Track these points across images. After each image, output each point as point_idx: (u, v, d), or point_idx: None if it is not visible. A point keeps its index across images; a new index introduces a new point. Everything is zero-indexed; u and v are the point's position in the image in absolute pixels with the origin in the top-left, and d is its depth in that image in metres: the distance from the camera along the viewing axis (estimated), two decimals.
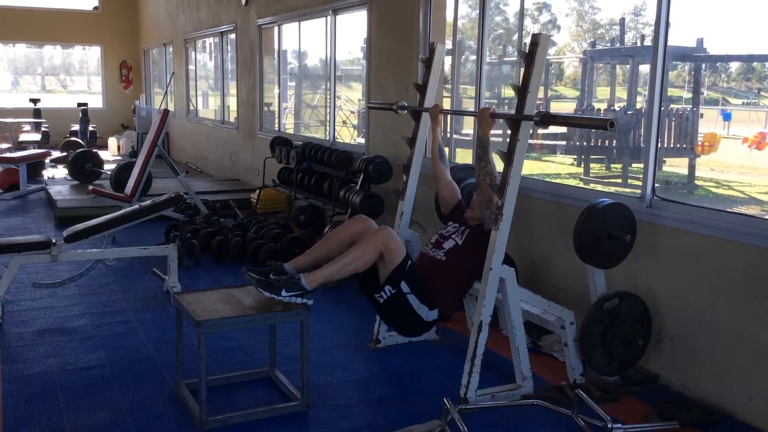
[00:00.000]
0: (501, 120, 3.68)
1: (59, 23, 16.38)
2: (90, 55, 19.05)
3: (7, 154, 10.03)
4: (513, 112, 3.34)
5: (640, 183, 3.90)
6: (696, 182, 10.65)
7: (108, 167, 9.80)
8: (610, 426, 2.99)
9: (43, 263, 4.97)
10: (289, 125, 10.66)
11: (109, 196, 7.17)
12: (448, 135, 6.08)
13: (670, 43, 3.74)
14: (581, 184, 9.73)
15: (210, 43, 12.38)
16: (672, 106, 11.47)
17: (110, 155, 13.83)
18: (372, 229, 3.57)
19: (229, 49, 11.02)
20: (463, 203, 4.06)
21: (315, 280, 3.33)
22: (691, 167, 10.57)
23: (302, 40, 8.84)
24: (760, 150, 12.26)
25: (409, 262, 3.54)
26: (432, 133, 4.13)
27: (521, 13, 5.62)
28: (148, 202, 5.29)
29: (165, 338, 4.18)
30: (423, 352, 4.08)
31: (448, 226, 3.91)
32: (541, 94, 12.66)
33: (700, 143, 11.03)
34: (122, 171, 7.90)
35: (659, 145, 3.88)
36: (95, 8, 16.88)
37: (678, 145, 10.63)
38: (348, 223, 3.72)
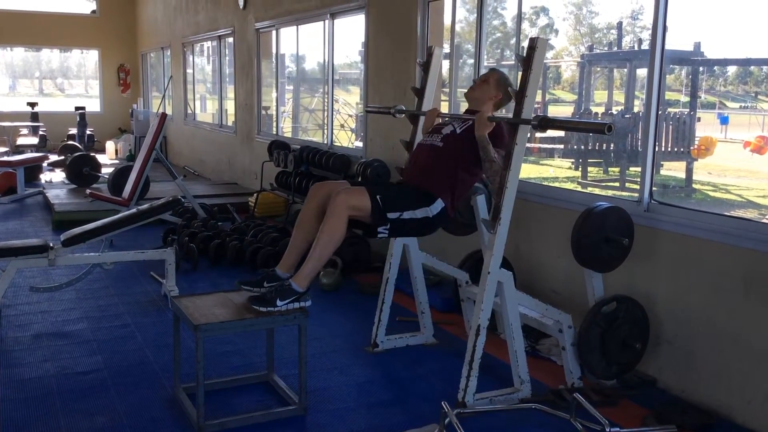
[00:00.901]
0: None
1: (57, 27, 16.38)
2: (88, 59, 19.05)
3: (5, 158, 10.01)
4: (511, 115, 3.34)
5: (638, 186, 3.91)
6: (694, 186, 10.66)
7: (105, 171, 9.80)
8: (608, 430, 2.99)
9: (41, 267, 4.98)
10: (287, 129, 10.65)
11: (107, 199, 7.16)
12: None
13: (667, 46, 3.75)
14: (579, 188, 9.73)
15: (208, 47, 12.40)
16: (669, 109, 11.50)
17: (108, 159, 13.83)
18: (333, 190, 3.43)
19: (227, 52, 11.03)
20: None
21: (304, 280, 3.27)
22: (689, 171, 10.58)
23: (300, 43, 8.85)
24: (761, 155, 12.22)
25: (378, 196, 3.41)
26: (423, 135, 4.12)
27: (519, 17, 5.62)
28: (145, 206, 5.29)
29: (163, 342, 4.17)
30: (421, 356, 4.08)
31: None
32: (538, 98, 12.67)
33: (696, 147, 11.04)
34: (120, 175, 7.90)
35: (657, 149, 3.89)
36: (93, 12, 16.89)
37: (676, 149, 10.65)
38: (309, 198, 3.56)
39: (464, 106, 6.79)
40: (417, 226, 3.54)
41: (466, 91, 3.88)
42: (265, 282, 3.35)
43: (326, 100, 7.88)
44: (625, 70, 13.16)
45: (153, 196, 7.04)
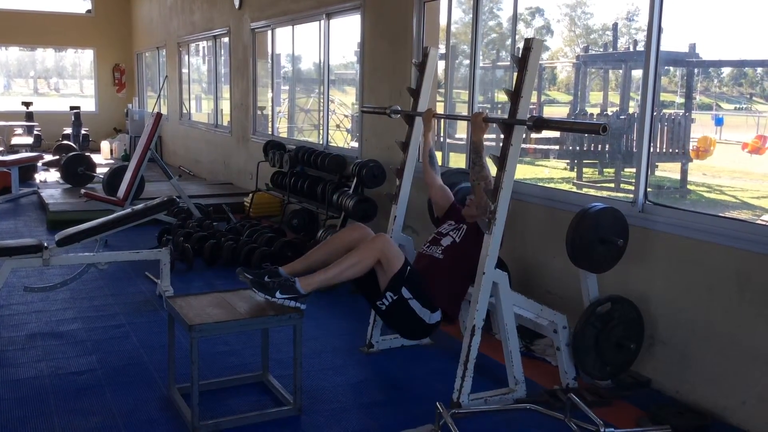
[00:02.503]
0: (494, 124, 3.69)
1: (52, 26, 16.33)
2: (83, 59, 19.00)
3: None
4: (506, 116, 3.34)
5: (633, 187, 3.91)
6: (688, 187, 10.68)
7: (100, 171, 9.78)
8: (602, 430, 3.00)
9: (35, 267, 4.95)
10: (282, 129, 10.64)
11: (102, 199, 7.15)
12: (442, 139, 6.09)
13: (662, 48, 3.76)
14: (574, 189, 9.74)
15: (203, 47, 12.38)
16: (664, 111, 11.51)
17: (103, 159, 13.79)
18: (369, 236, 3.57)
19: (222, 52, 11.02)
20: (456, 204, 4.06)
21: (310, 285, 3.32)
22: (684, 172, 10.59)
23: (296, 44, 8.84)
24: (760, 155, 12.20)
25: (409, 267, 3.52)
26: (424, 138, 4.13)
27: (514, 18, 5.63)
28: (140, 206, 5.28)
29: (157, 342, 4.16)
30: (416, 357, 4.08)
31: (446, 224, 3.90)
32: (534, 99, 12.66)
33: (694, 148, 11.04)
34: (115, 175, 7.89)
35: (652, 150, 3.90)
36: (88, 11, 16.84)
37: (670, 150, 10.66)
38: (345, 230, 3.71)
39: (460, 107, 6.78)
40: (411, 321, 3.57)
41: (464, 210, 3.82)
42: (267, 276, 3.36)
43: (322, 100, 7.88)
44: (621, 71, 13.16)
45: (148, 196, 7.03)
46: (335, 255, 3.52)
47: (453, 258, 3.68)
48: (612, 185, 10.74)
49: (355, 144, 8.25)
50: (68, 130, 14.51)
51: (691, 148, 10.84)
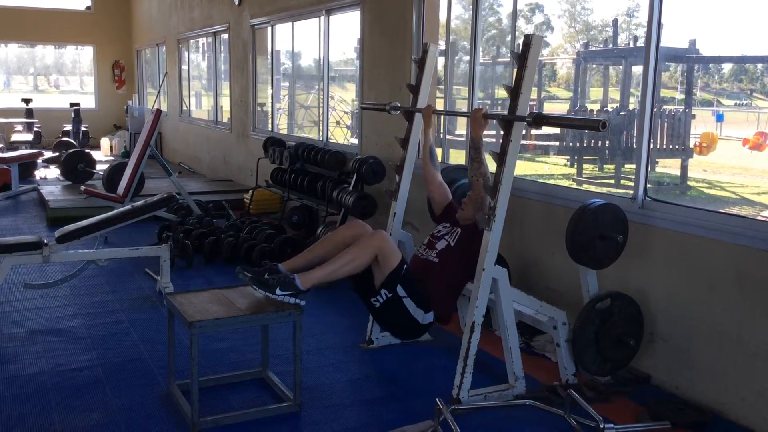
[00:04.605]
0: (494, 120, 3.69)
1: (51, 23, 16.32)
2: (83, 55, 19.00)
3: None
4: (506, 112, 3.34)
5: (633, 183, 3.91)
6: (688, 183, 10.67)
7: (100, 167, 9.78)
8: (602, 426, 3.00)
9: (35, 264, 4.97)
10: (282, 126, 10.64)
11: (102, 196, 7.14)
12: (441, 136, 6.08)
13: (662, 44, 3.75)
14: (574, 185, 9.74)
15: (203, 44, 12.37)
16: (664, 107, 11.50)
17: (103, 155, 13.80)
18: (367, 233, 3.59)
19: (222, 49, 11.01)
20: (454, 204, 4.07)
21: (309, 281, 3.34)
22: (684, 168, 10.59)
23: (295, 40, 8.83)
24: (760, 151, 12.17)
25: (405, 265, 3.54)
26: (424, 135, 4.14)
27: (514, 14, 5.63)
28: (140, 203, 5.28)
29: (157, 339, 4.16)
30: (416, 353, 4.08)
31: (440, 227, 3.92)
32: (534, 95, 12.67)
33: (698, 144, 11.02)
34: (115, 171, 7.89)
35: (652, 146, 3.89)
36: (88, 8, 16.82)
37: (670, 146, 10.66)
38: (344, 227, 3.74)
39: (459, 103, 6.78)
40: (404, 319, 3.61)
41: (459, 214, 3.86)
42: (267, 274, 3.37)
43: (322, 96, 7.88)
44: (621, 67, 13.14)
45: (148, 193, 7.03)
46: (334, 251, 3.55)
47: (447, 261, 3.70)
48: (612, 181, 10.74)
49: (355, 140, 8.25)
50: (68, 127, 14.51)
51: (693, 143, 10.82)
